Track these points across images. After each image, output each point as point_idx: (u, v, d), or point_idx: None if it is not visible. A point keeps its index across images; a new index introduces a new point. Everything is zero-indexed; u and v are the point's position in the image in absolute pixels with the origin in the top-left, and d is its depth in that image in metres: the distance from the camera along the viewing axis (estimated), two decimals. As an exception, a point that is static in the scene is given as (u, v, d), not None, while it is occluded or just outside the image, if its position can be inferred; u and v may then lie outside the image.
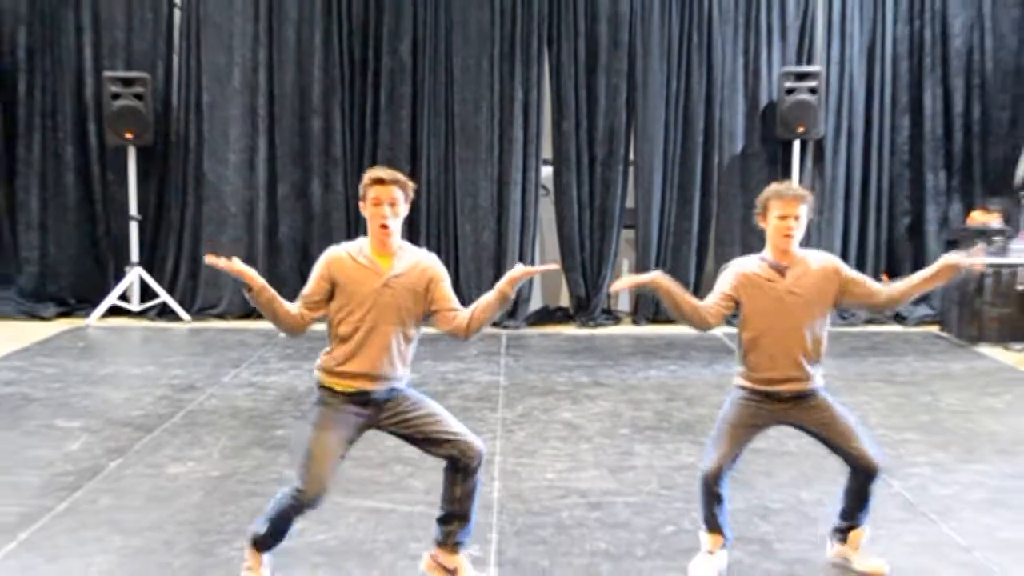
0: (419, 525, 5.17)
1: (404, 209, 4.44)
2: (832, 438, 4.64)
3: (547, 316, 11.29)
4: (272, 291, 4.38)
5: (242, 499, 5.62)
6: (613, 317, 11.23)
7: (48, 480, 5.88)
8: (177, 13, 11.06)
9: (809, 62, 11.14)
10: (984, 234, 10.24)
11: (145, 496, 5.66)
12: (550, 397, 7.97)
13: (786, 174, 11.03)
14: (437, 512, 4.59)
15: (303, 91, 11.06)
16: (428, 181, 10.98)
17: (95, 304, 10.88)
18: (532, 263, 11.00)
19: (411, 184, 4.48)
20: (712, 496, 4.65)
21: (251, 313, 11.08)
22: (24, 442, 6.58)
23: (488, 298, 4.46)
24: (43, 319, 10.82)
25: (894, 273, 11.49)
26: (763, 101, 11.15)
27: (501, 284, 4.44)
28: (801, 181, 11.02)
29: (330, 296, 4.42)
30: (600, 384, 8.44)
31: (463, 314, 4.47)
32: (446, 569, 4.58)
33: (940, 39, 11.26)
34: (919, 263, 11.44)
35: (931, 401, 7.95)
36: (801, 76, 10.82)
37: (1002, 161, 11.38)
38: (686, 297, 4.64)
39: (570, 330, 10.93)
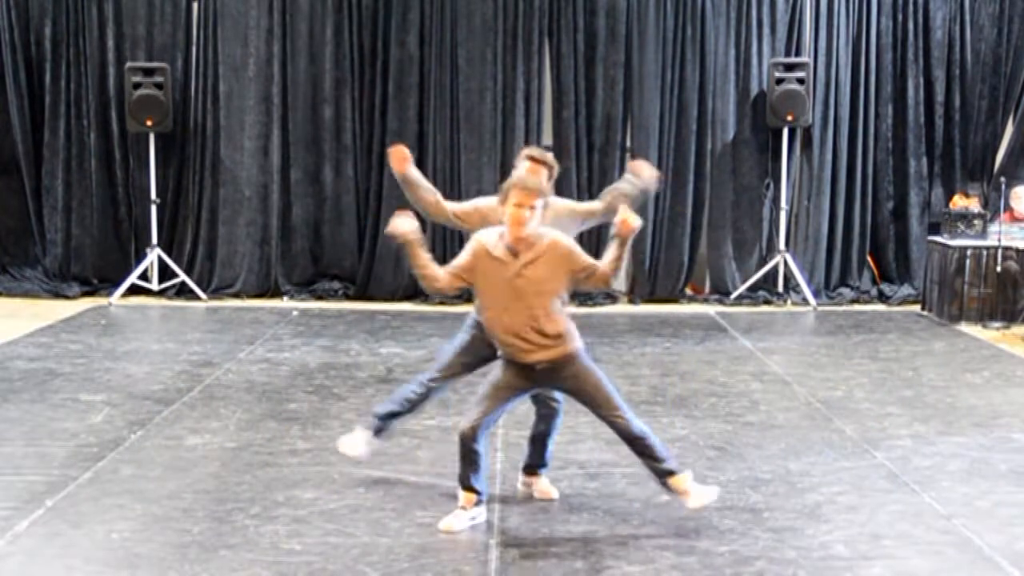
0: (425, 494, 5.16)
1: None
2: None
3: (547, 295, 11.23)
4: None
5: (257, 469, 5.60)
6: (610, 297, 11.19)
7: (73, 451, 5.86)
8: (195, 7, 11.00)
9: (797, 54, 11.08)
10: (965, 217, 10.20)
11: (165, 466, 5.65)
12: (550, 372, 7.92)
13: (776, 161, 10.99)
14: None
15: (315, 81, 11.01)
16: (434, 167, 10.91)
17: (117, 283, 10.84)
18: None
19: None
20: None
21: (265, 293, 11.02)
22: (50, 415, 6.56)
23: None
24: (67, 298, 10.80)
25: (879, 256, 11.46)
26: (754, 91, 11.09)
27: None
28: (790, 167, 10.99)
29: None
30: (597, 360, 8.24)
31: None
32: None
33: (922, 31, 11.18)
34: (902, 246, 11.42)
35: (913, 377, 7.92)
36: (790, 67, 10.77)
37: (981, 148, 11.33)
38: None
39: (569, 309, 10.85)
